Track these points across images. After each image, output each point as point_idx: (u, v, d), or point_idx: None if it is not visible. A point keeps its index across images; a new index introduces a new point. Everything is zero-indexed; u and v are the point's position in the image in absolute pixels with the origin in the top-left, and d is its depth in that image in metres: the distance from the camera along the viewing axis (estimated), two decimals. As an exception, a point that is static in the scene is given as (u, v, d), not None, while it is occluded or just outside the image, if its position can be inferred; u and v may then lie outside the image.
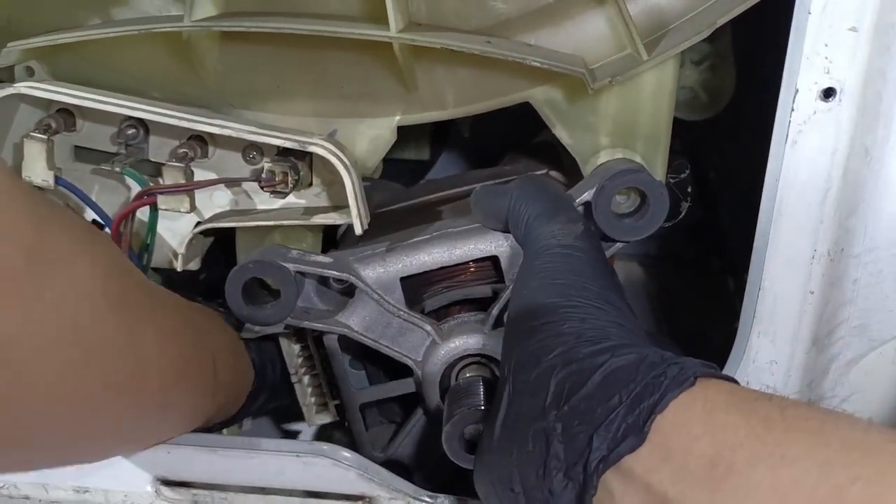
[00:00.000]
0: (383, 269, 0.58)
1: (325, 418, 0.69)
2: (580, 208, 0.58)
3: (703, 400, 0.37)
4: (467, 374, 0.57)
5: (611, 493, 0.37)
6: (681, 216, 0.60)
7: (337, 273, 0.58)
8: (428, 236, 0.59)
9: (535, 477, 0.41)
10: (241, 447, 0.60)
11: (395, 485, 0.61)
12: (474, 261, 0.59)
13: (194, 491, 0.63)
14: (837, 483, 0.30)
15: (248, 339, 0.63)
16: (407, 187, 0.82)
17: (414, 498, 0.61)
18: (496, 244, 0.58)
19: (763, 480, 0.32)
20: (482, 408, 0.52)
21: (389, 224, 0.65)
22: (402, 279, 0.58)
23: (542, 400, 0.41)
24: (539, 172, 0.71)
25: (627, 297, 0.50)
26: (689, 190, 0.61)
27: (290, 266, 0.57)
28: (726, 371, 0.60)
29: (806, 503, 0.31)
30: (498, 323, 0.58)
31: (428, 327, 0.58)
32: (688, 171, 0.61)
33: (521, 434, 0.42)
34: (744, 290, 0.59)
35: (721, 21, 0.53)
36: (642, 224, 0.57)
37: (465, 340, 0.58)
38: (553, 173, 0.71)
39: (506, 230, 0.58)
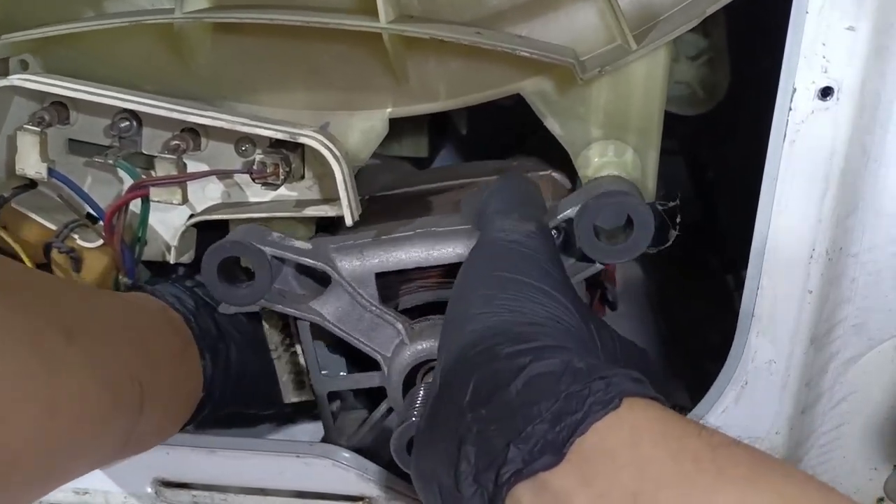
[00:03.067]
0: (359, 263, 0.58)
1: (302, 396, 0.69)
2: (563, 224, 0.57)
3: (630, 427, 0.35)
4: (430, 378, 0.57)
5: None
6: (668, 244, 0.60)
7: (312, 262, 0.58)
8: (410, 233, 0.58)
9: (448, 477, 0.40)
10: (240, 448, 0.61)
11: (394, 485, 0.62)
12: (452, 264, 0.58)
13: (194, 492, 0.64)
14: None
15: (203, 346, 0.62)
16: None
17: (413, 499, 0.62)
18: (470, 248, 0.57)
19: None
20: None
21: (386, 210, 0.64)
22: (378, 274, 0.58)
23: (461, 398, 0.40)
24: (542, 173, 0.71)
25: (624, 297, 0.49)
26: (679, 219, 0.60)
27: (268, 249, 0.57)
28: (725, 370, 0.60)
29: None
30: None
31: (399, 326, 0.58)
32: (678, 200, 0.60)
33: (440, 431, 0.42)
34: (742, 288, 0.59)
35: (710, 10, 0.53)
36: (623, 248, 0.56)
37: (432, 344, 0.57)
38: (556, 175, 0.70)
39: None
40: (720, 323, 0.69)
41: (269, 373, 0.67)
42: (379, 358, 0.59)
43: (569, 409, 0.36)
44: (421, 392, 0.54)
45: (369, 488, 0.61)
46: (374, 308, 0.58)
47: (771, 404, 0.61)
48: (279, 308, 0.59)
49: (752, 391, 0.60)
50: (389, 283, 0.59)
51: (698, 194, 0.86)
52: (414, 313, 0.60)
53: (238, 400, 0.65)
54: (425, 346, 0.58)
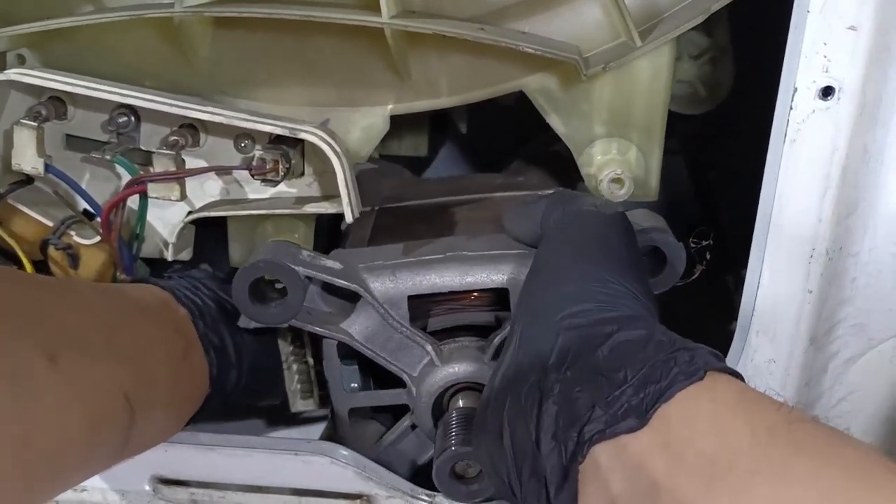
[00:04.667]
0: (392, 285, 0.57)
1: (309, 405, 0.69)
2: None
3: (711, 397, 0.36)
4: (460, 402, 0.57)
5: (597, 464, 0.37)
6: (694, 277, 0.60)
7: (346, 283, 0.57)
8: (441, 256, 0.58)
9: (524, 432, 0.40)
10: (239, 446, 0.60)
11: (393, 483, 0.61)
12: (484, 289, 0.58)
13: (192, 490, 0.63)
14: None
15: (209, 342, 0.61)
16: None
17: (412, 496, 0.61)
18: (508, 276, 0.57)
19: (761, 493, 0.32)
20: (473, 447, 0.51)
21: (402, 224, 0.64)
22: (410, 296, 0.58)
23: (544, 357, 0.41)
24: (550, 192, 0.70)
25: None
26: (708, 255, 0.61)
27: (300, 269, 0.57)
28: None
29: None
30: (498, 353, 0.57)
31: (429, 347, 0.58)
32: (711, 241, 0.61)
33: (517, 387, 0.42)
34: (742, 288, 0.59)
35: (715, 7, 0.53)
36: (655, 282, 0.57)
37: (463, 367, 0.57)
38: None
39: (532, 236, 0.57)
40: (719, 322, 0.69)
41: (280, 366, 0.67)
42: (406, 377, 0.59)
43: (654, 377, 0.37)
44: (455, 417, 0.55)
45: (368, 486, 0.61)
46: (405, 330, 0.58)
47: (770, 404, 0.61)
48: (308, 327, 0.59)
49: (752, 391, 0.60)
50: (417, 304, 0.59)
51: (698, 193, 0.86)
52: (442, 334, 0.60)
53: (249, 393, 0.65)
54: (457, 369, 0.57)
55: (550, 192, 0.61)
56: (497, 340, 0.57)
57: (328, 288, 0.60)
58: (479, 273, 0.57)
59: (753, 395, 0.37)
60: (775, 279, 0.58)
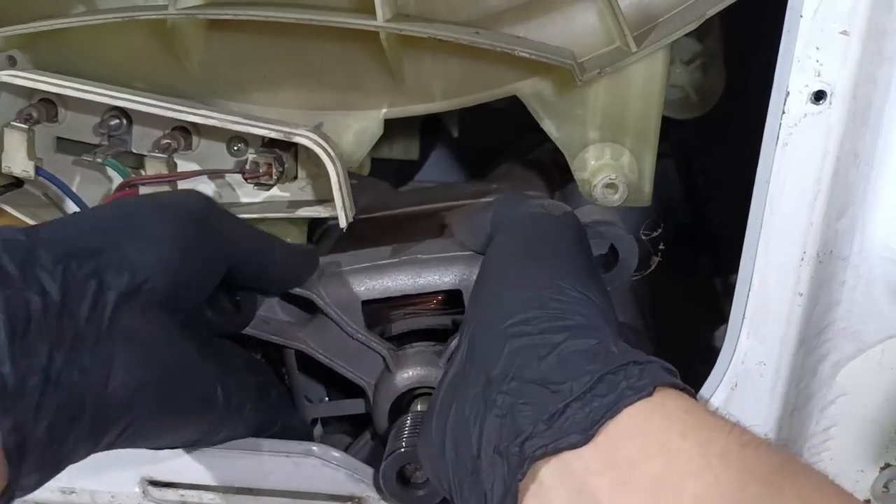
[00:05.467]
0: (345, 290, 0.57)
1: None
2: None
3: (661, 415, 0.35)
4: (418, 407, 0.57)
5: (539, 481, 0.36)
6: (650, 269, 0.60)
7: (300, 290, 0.57)
8: (395, 260, 0.58)
9: (466, 444, 0.39)
10: (229, 447, 0.60)
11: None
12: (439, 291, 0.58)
13: (182, 492, 0.62)
14: None
15: None
16: (396, 187, 0.82)
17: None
18: (460, 277, 0.57)
19: None
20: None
21: (369, 232, 0.64)
22: (365, 301, 0.58)
23: (490, 367, 0.40)
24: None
25: (613, 297, 0.49)
26: (662, 246, 0.61)
27: None
28: (715, 372, 0.60)
29: None
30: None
31: (384, 353, 0.57)
32: (661, 230, 0.61)
33: (461, 396, 0.41)
34: (732, 291, 0.59)
35: (710, 12, 0.53)
36: (608, 277, 0.57)
37: (418, 372, 0.57)
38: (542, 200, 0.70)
39: (485, 248, 0.56)
40: (709, 325, 0.69)
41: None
42: (364, 385, 0.59)
43: (601, 391, 0.36)
44: (408, 420, 0.54)
45: (359, 488, 0.60)
46: (360, 335, 0.57)
47: (760, 406, 0.61)
48: (263, 336, 0.58)
49: (742, 393, 0.60)
50: (376, 310, 0.59)
51: (689, 197, 0.86)
52: (402, 340, 0.60)
53: None
54: (412, 374, 0.57)
55: (495, 198, 0.59)
56: (454, 344, 0.56)
57: (287, 297, 0.59)
58: (431, 275, 0.57)
59: (704, 414, 0.36)
60: (766, 282, 0.58)
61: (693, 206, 0.86)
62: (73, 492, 0.64)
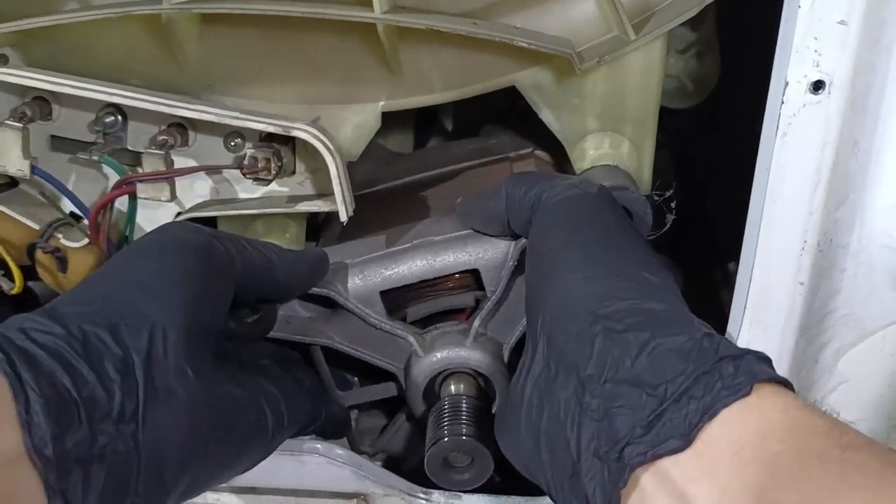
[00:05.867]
0: (362, 283, 0.57)
1: None
2: None
3: (758, 417, 0.34)
4: (451, 388, 0.57)
5: (641, 489, 0.36)
6: (665, 228, 0.60)
7: (317, 290, 0.57)
8: (408, 245, 0.58)
9: (564, 448, 0.39)
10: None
11: (389, 482, 0.61)
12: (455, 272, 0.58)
13: (187, 492, 0.62)
14: None
15: None
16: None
17: (408, 494, 0.61)
18: (476, 256, 0.57)
19: None
20: (463, 437, 0.52)
21: (374, 212, 0.64)
22: (383, 291, 0.58)
23: (580, 367, 0.40)
24: (524, 152, 0.71)
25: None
26: (674, 204, 0.61)
27: None
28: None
29: None
30: (480, 334, 0.57)
31: (410, 338, 0.58)
32: (673, 189, 0.61)
33: (552, 398, 0.41)
34: (730, 281, 0.59)
35: (707, 0, 0.53)
36: None
37: (446, 353, 0.57)
38: (539, 153, 0.70)
39: (504, 232, 0.57)
40: (710, 315, 0.69)
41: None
42: (394, 370, 0.59)
43: (697, 392, 0.35)
44: (446, 407, 0.54)
45: (364, 485, 0.61)
46: (383, 324, 0.58)
47: (762, 394, 0.61)
48: (288, 337, 0.58)
49: (745, 382, 0.61)
50: (394, 296, 0.59)
51: (684, 187, 0.86)
52: (423, 322, 0.60)
53: None
54: (440, 356, 0.57)
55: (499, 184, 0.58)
56: (477, 322, 0.57)
57: (305, 295, 0.59)
58: (447, 257, 0.57)
59: (803, 414, 0.34)
60: (767, 271, 0.58)
61: (689, 196, 0.86)
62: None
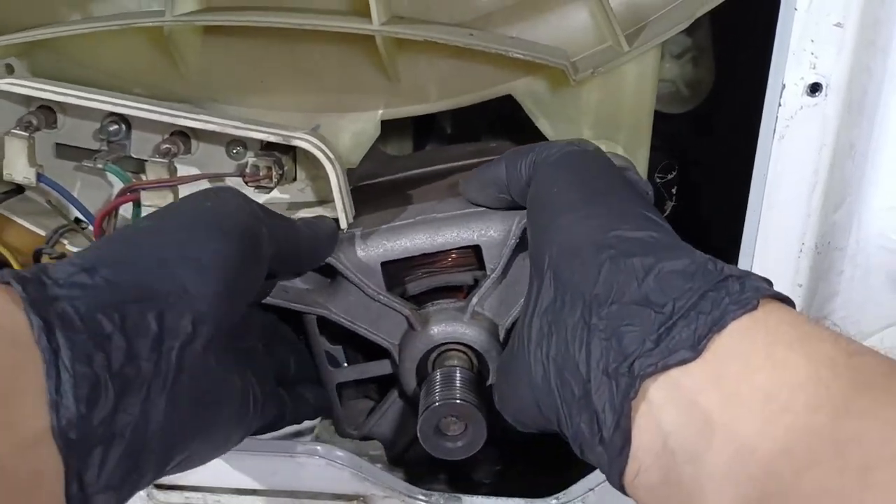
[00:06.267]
0: (364, 253, 0.58)
1: None
2: None
3: (765, 329, 0.35)
4: (445, 363, 0.57)
5: (649, 400, 0.36)
6: (665, 215, 0.60)
7: None
8: (411, 220, 0.58)
9: (573, 370, 0.39)
10: (233, 449, 0.60)
11: (389, 483, 0.62)
12: (456, 248, 0.59)
13: (186, 494, 0.63)
14: None
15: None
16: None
17: (408, 496, 0.62)
18: (479, 233, 0.57)
19: (823, 427, 0.31)
20: (457, 401, 0.52)
21: (373, 200, 0.64)
22: (383, 263, 0.58)
23: (586, 293, 0.40)
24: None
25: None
26: (675, 190, 0.61)
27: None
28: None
29: (867, 460, 0.29)
30: (476, 312, 0.57)
31: (407, 312, 0.58)
32: (675, 173, 0.61)
33: (560, 325, 0.41)
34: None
35: (700, 12, 0.54)
36: None
37: (443, 328, 0.57)
38: None
39: (500, 202, 0.57)
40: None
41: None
42: (388, 345, 0.59)
43: (705, 307, 0.36)
44: (438, 376, 0.55)
45: (364, 487, 0.61)
46: (381, 297, 0.58)
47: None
48: (283, 304, 0.58)
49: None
50: (394, 271, 0.59)
51: (680, 188, 0.87)
52: (420, 299, 0.60)
53: None
54: (436, 331, 0.57)
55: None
56: (475, 300, 0.57)
57: None
58: (450, 233, 0.58)
59: (809, 325, 0.35)
60: (765, 273, 0.58)
61: (685, 200, 0.86)
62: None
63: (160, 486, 0.63)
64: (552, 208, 0.47)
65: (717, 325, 0.35)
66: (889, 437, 0.29)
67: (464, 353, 0.58)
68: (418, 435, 0.52)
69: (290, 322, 0.62)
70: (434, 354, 0.58)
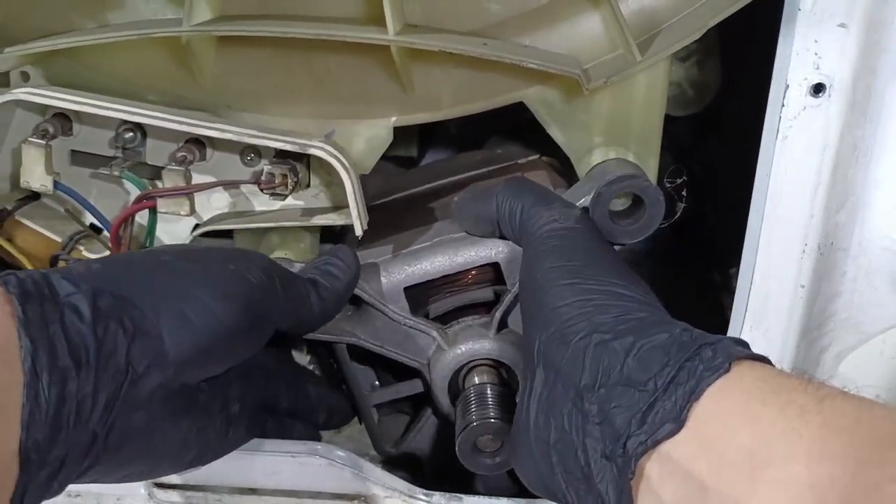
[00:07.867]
0: (387, 280, 0.60)
1: None
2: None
3: (740, 388, 0.37)
4: (475, 379, 0.59)
5: (647, 478, 0.38)
6: (676, 216, 0.61)
7: None
8: (429, 243, 0.60)
9: (573, 457, 0.42)
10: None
11: (390, 483, 0.62)
12: (475, 266, 0.60)
13: (188, 493, 0.63)
14: (873, 481, 0.31)
15: None
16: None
17: (409, 496, 0.62)
18: (496, 250, 0.59)
19: (800, 476, 0.33)
20: (492, 420, 0.54)
21: (388, 219, 0.65)
22: (406, 287, 0.60)
23: (576, 380, 0.43)
24: (532, 158, 0.72)
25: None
26: (685, 193, 0.62)
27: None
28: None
29: (842, 500, 0.32)
30: (501, 326, 0.59)
31: (434, 333, 0.60)
32: (685, 177, 0.62)
33: (556, 414, 0.44)
34: (730, 285, 0.60)
35: (712, 22, 0.54)
36: (638, 227, 0.58)
37: (470, 346, 0.59)
38: (545, 158, 0.72)
39: (494, 234, 0.59)
40: (706, 319, 0.70)
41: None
42: (418, 366, 0.61)
43: (682, 379, 0.38)
44: (472, 395, 0.57)
45: (365, 487, 0.62)
46: (407, 321, 0.60)
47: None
48: (315, 336, 0.60)
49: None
50: (416, 294, 0.61)
51: (686, 190, 0.87)
52: (444, 318, 0.62)
53: None
54: (464, 349, 0.60)
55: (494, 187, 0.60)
56: (499, 314, 0.59)
57: None
58: (468, 252, 0.60)
59: (780, 378, 0.38)
60: (768, 274, 0.59)
61: (689, 201, 0.87)
62: (78, 495, 0.64)
63: (161, 486, 0.63)
64: (534, 294, 0.50)
65: (695, 393, 0.37)
66: (856, 477, 0.32)
67: (493, 367, 0.59)
68: (457, 454, 0.55)
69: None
70: (464, 371, 0.60)
